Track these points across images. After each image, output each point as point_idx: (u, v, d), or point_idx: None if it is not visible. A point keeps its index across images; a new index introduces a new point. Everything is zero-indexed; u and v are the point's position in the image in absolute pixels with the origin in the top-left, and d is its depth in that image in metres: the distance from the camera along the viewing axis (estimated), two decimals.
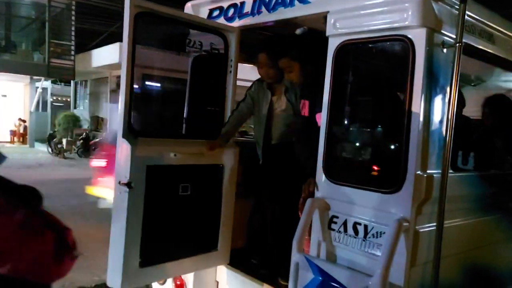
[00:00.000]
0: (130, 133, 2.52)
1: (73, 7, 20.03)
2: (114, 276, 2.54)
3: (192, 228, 2.90)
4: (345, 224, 2.34)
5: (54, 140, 18.04)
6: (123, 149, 2.49)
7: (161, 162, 2.67)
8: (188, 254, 2.88)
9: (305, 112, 2.80)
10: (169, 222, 2.77)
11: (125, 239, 2.48)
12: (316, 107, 2.60)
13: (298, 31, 2.97)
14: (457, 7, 2.15)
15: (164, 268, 2.78)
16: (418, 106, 2.11)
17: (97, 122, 21.25)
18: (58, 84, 26.38)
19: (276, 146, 3.17)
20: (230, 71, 3.16)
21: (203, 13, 3.29)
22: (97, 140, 17.11)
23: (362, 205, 2.28)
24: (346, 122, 2.53)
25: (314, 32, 2.97)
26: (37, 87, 21.63)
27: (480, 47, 2.52)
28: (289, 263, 2.36)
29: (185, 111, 3.42)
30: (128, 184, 2.45)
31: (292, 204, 2.75)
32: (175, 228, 2.81)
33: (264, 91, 3.23)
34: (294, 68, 2.91)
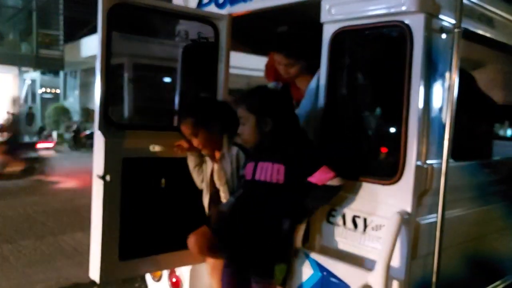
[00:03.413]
0: (106, 125, 2.49)
1: None
2: (94, 268, 2.58)
3: (176, 223, 2.82)
4: (343, 217, 2.29)
5: (44, 133, 17.82)
6: (98, 142, 2.47)
7: (139, 155, 2.63)
8: (174, 249, 2.82)
9: (280, 179, 2.18)
10: (150, 216, 2.73)
11: (102, 232, 2.49)
12: (300, 175, 2.15)
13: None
14: None
15: (147, 262, 2.76)
16: (416, 94, 2.05)
17: (88, 114, 21.00)
18: (47, 75, 26.01)
19: None
20: (221, 61, 3.05)
21: (193, 0, 3.18)
22: (88, 132, 16.93)
23: (361, 197, 2.23)
24: (343, 112, 2.45)
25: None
26: (26, 79, 21.33)
27: (480, 32, 2.45)
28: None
29: (175, 102, 3.32)
30: (102, 177, 2.45)
31: None
32: (158, 222, 2.76)
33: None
34: (249, 120, 2.21)
